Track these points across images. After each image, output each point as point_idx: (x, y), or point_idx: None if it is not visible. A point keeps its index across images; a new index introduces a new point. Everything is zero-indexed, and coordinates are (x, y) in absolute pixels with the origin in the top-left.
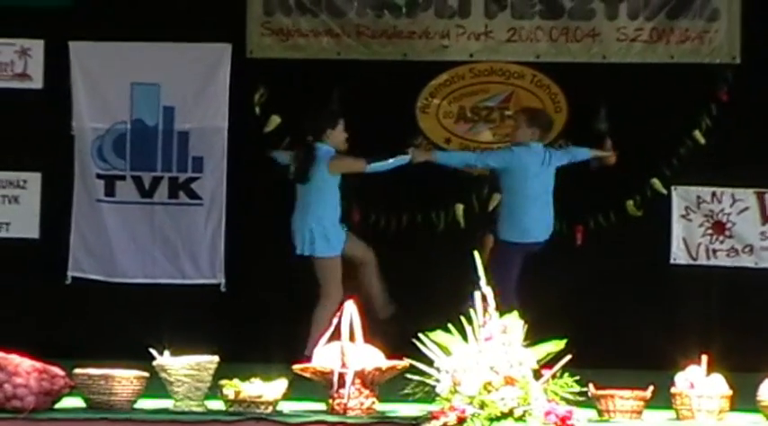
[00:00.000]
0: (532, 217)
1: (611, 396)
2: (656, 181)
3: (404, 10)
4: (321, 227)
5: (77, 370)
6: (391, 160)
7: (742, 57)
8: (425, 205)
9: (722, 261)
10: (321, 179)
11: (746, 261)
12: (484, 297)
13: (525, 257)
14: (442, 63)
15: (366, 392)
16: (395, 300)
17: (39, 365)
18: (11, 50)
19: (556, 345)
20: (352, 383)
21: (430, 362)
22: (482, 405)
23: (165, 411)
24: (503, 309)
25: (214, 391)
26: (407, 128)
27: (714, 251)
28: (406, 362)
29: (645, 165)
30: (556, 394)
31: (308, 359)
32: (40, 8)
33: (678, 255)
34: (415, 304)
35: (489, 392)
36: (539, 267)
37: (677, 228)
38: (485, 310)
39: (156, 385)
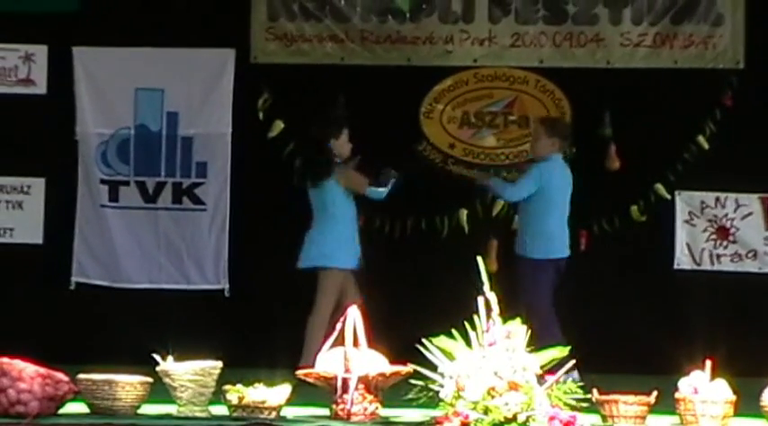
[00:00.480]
0: (557, 229)
1: (615, 401)
2: (659, 187)
3: (408, 15)
4: (333, 238)
5: (81, 376)
6: (387, 188)
7: (746, 62)
8: (429, 210)
9: (726, 266)
10: (332, 185)
11: (750, 266)
12: (487, 303)
13: (556, 275)
14: (445, 68)
15: (370, 397)
16: (395, 307)
17: (43, 370)
18: (15, 56)
19: (559, 351)
20: (356, 388)
21: (434, 367)
22: (486, 411)
23: (169, 416)
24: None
25: (218, 396)
26: (411, 134)
27: (718, 256)
28: (409, 367)
29: (649, 170)
30: (559, 399)
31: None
32: (44, 14)
33: (682, 260)
34: (418, 309)
35: (493, 397)
36: None
37: (681, 233)
38: (488, 316)
39: (160, 390)
